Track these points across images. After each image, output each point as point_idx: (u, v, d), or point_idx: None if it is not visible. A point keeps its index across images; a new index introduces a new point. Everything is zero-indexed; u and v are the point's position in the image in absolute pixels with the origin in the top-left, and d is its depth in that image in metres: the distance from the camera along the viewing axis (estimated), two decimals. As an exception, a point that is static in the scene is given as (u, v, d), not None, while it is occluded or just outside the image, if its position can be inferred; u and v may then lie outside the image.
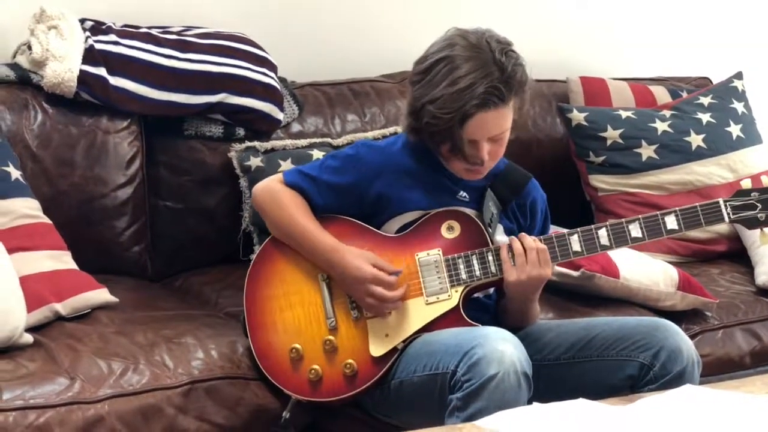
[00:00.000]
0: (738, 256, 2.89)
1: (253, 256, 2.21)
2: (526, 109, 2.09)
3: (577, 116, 2.97)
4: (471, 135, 2.00)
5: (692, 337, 2.55)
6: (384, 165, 2.11)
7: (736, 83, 3.14)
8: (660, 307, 2.56)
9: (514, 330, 2.08)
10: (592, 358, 2.06)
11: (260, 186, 2.18)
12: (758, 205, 2.08)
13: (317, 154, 2.63)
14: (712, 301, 2.59)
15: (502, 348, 1.87)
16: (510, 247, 2.05)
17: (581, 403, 1.72)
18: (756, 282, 2.74)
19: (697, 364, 2.03)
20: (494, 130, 2.02)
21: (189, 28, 2.74)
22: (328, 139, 2.73)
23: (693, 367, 2.01)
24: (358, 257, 2.04)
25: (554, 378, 2.05)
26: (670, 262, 2.67)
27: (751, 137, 3.05)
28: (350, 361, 2.04)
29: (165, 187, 2.64)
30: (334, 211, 2.13)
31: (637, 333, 2.04)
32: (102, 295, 2.29)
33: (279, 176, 2.16)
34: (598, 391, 1.93)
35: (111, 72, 2.53)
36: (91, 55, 2.52)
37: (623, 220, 2.09)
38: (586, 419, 1.66)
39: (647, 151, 2.95)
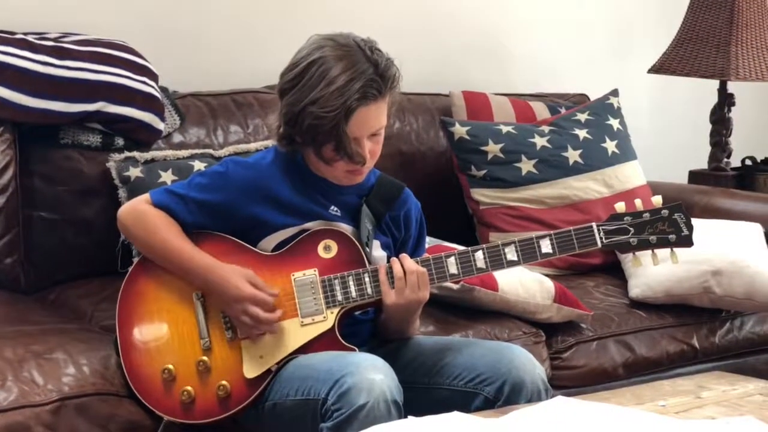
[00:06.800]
0: (613, 269, 2.95)
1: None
2: (395, 108, 2.08)
3: (460, 130, 3.01)
4: (354, 132, 2.00)
5: (567, 348, 2.62)
6: (254, 182, 2.07)
7: (612, 100, 3.22)
8: (537, 319, 2.60)
9: (388, 346, 2.07)
10: (443, 386, 2.05)
11: (125, 209, 2.13)
12: (630, 229, 2.06)
13: (198, 165, 2.59)
14: (587, 314, 2.64)
15: (372, 377, 1.86)
16: (389, 268, 2.04)
17: (456, 416, 1.73)
18: (629, 294, 2.81)
19: (545, 392, 2.01)
20: (375, 126, 2.03)
21: (67, 34, 2.67)
22: (210, 150, 2.70)
23: (538, 398, 1.99)
24: (236, 275, 2.01)
25: (413, 401, 1.99)
26: (547, 275, 2.71)
27: (625, 153, 3.12)
28: (224, 382, 2.00)
29: (40, 198, 2.57)
30: (206, 229, 2.09)
31: (482, 365, 2.02)
32: (-31, 309, 2.23)
33: (145, 197, 2.10)
34: None
35: (-17, 79, 2.46)
36: (-39, 62, 2.44)
37: (500, 242, 2.08)
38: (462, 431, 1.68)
39: (527, 166, 3.00)
